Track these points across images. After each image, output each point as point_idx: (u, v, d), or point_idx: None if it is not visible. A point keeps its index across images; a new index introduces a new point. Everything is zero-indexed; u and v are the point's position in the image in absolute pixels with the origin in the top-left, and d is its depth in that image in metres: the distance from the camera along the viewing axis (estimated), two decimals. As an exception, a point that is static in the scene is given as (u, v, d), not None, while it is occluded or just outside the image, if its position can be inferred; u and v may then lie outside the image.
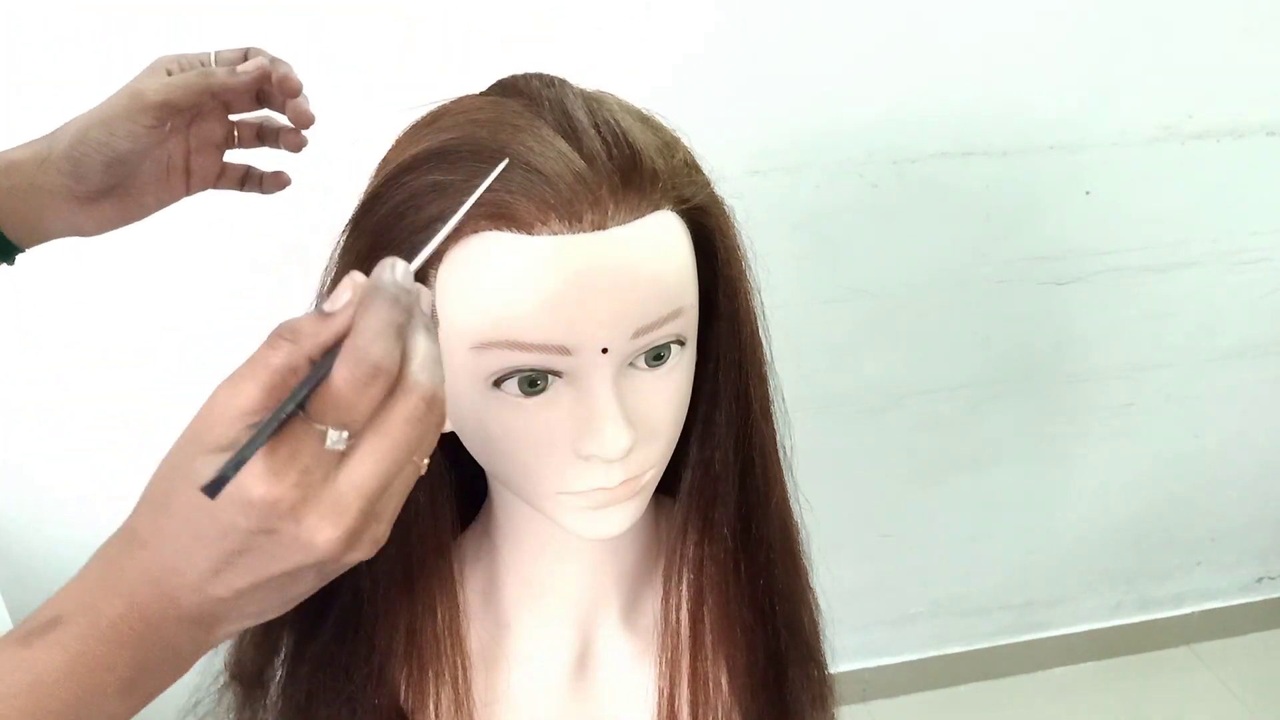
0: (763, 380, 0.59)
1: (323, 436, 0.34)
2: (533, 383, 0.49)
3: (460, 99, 0.53)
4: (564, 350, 0.47)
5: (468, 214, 0.46)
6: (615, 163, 0.47)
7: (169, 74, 0.60)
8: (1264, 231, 1.52)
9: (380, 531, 0.37)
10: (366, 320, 0.34)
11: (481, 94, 0.54)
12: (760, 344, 0.58)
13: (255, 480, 0.33)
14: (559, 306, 0.46)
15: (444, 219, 0.46)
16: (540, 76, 0.53)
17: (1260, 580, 1.95)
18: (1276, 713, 1.79)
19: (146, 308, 1.20)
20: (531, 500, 0.54)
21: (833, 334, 1.44)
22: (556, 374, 0.49)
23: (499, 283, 0.47)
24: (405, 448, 0.35)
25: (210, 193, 0.69)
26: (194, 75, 0.58)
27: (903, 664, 1.82)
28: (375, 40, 1.11)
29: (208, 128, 0.64)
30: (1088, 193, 1.42)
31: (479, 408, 0.51)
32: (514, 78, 0.54)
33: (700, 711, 0.62)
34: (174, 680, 0.40)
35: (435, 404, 0.36)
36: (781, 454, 0.62)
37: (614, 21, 1.16)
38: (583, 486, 0.51)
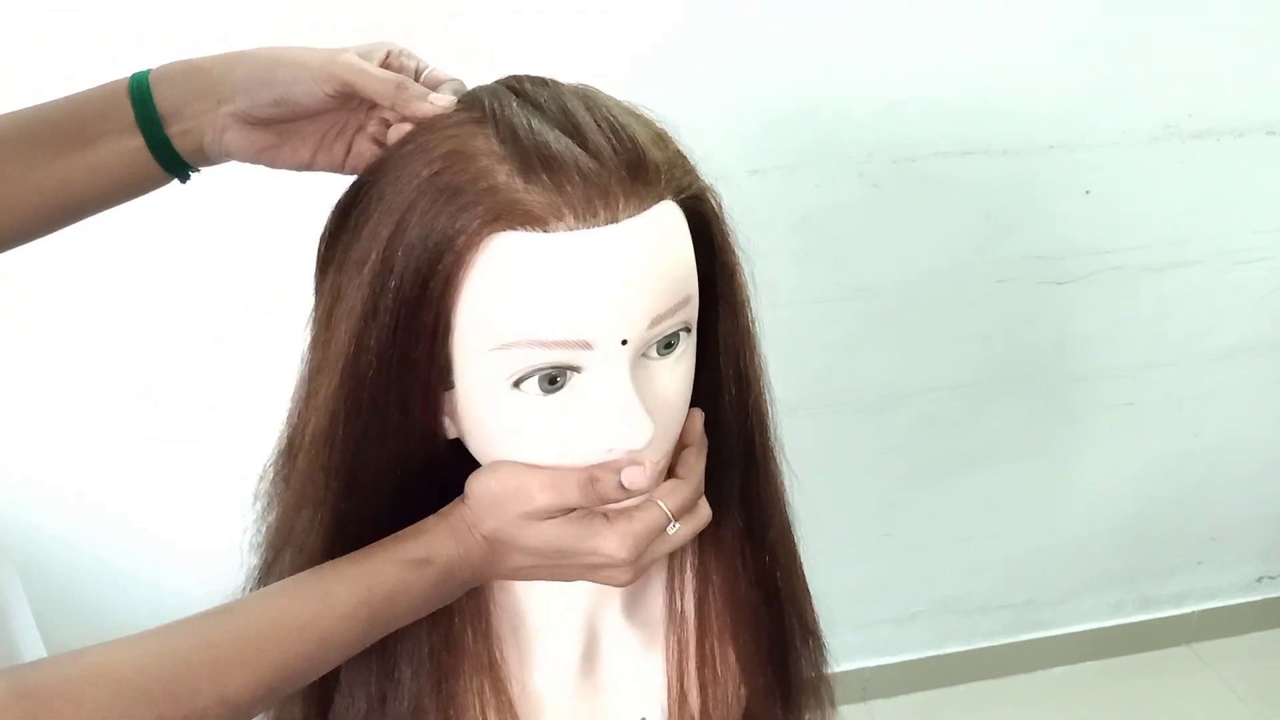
0: (758, 363, 0.60)
1: (668, 523, 0.54)
2: (552, 380, 0.49)
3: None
4: (585, 344, 0.48)
5: (484, 219, 0.46)
6: (621, 157, 0.48)
7: (381, 61, 0.58)
8: (1264, 231, 1.52)
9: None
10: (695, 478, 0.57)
11: None
12: (753, 327, 0.60)
13: (618, 542, 0.53)
14: (579, 301, 0.47)
15: (462, 227, 0.46)
16: (531, 78, 0.54)
17: (1260, 580, 1.95)
18: (1277, 712, 1.79)
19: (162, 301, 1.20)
20: None
21: (833, 333, 1.45)
22: (575, 369, 0.49)
23: (519, 282, 0.47)
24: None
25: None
26: (391, 81, 0.55)
27: (903, 664, 1.81)
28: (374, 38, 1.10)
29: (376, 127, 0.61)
30: (1088, 192, 1.42)
31: (498, 410, 0.51)
32: (506, 80, 0.55)
33: (709, 691, 0.64)
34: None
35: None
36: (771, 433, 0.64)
37: (614, 19, 1.16)
38: None
